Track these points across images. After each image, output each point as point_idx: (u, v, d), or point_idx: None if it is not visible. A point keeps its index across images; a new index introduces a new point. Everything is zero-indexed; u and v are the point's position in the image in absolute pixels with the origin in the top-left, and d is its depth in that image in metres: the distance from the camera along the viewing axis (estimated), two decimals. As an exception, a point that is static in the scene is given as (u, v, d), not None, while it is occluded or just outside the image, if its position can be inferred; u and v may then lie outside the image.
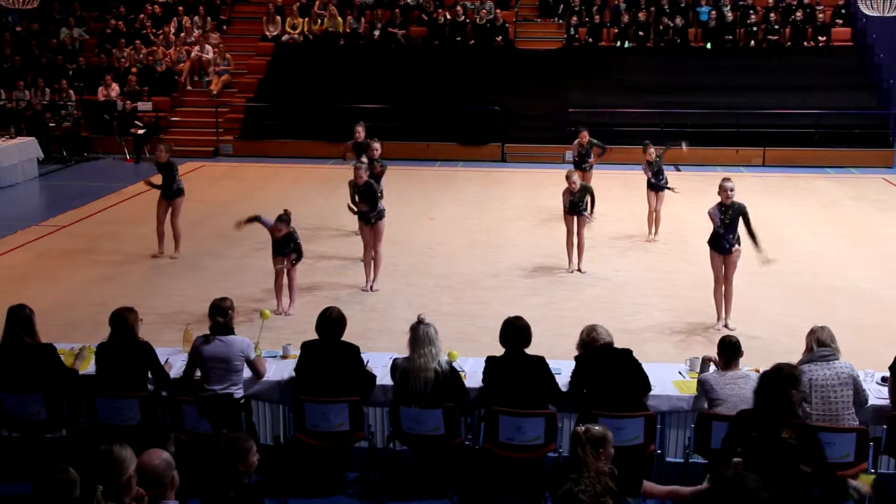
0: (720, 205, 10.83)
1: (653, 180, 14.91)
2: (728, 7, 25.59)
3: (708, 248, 11.05)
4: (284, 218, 11.15)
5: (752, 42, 25.10)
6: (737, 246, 10.85)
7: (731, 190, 10.85)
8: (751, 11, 25.50)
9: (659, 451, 7.33)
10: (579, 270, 13.10)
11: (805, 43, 24.99)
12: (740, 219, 10.78)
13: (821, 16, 25.23)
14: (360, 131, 15.12)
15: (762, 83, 23.65)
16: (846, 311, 11.41)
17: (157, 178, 14.01)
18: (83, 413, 7.52)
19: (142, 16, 26.96)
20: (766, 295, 12.33)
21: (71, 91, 24.22)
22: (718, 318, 11.04)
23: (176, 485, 5.12)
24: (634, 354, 7.32)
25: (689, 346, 10.01)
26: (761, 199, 18.43)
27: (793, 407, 6.17)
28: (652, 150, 14.91)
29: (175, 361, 7.83)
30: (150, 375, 7.47)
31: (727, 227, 10.75)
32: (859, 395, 7.01)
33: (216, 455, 5.41)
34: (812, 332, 7.22)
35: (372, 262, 12.44)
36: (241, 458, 5.42)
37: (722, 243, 10.85)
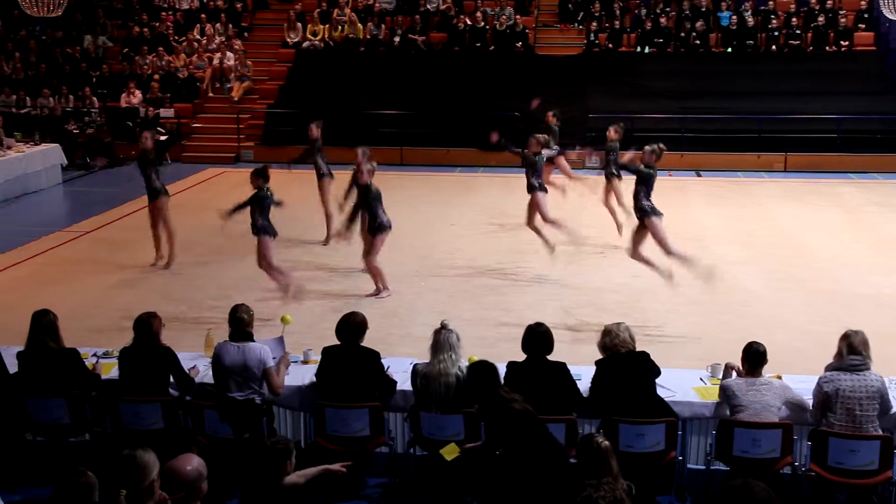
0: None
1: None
2: (749, 12, 25.49)
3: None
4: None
5: (774, 47, 25.00)
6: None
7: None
8: (772, 16, 25.40)
9: (680, 458, 7.31)
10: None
11: (827, 48, 24.88)
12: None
13: (843, 20, 25.10)
14: (314, 128, 15.16)
15: (784, 88, 23.54)
16: (869, 318, 11.28)
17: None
18: (106, 417, 7.56)
19: (163, 23, 27.12)
20: (788, 301, 12.27)
21: (94, 98, 24.38)
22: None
23: (203, 494, 5.12)
24: (654, 359, 7.31)
25: (711, 351, 9.98)
26: (783, 204, 18.40)
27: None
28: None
29: (200, 366, 7.86)
30: (172, 380, 7.52)
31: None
32: (885, 406, 6.94)
33: (262, 456, 5.44)
34: (845, 336, 7.10)
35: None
36: (287, 458, 5.49)
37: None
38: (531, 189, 13.12)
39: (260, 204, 11.15)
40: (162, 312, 7.79)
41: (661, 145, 11.57)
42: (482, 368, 7.20)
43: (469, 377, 7.19)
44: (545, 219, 13.24)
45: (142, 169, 13.75)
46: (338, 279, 13.13)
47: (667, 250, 11.43)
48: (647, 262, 11.72)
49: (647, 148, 11.45)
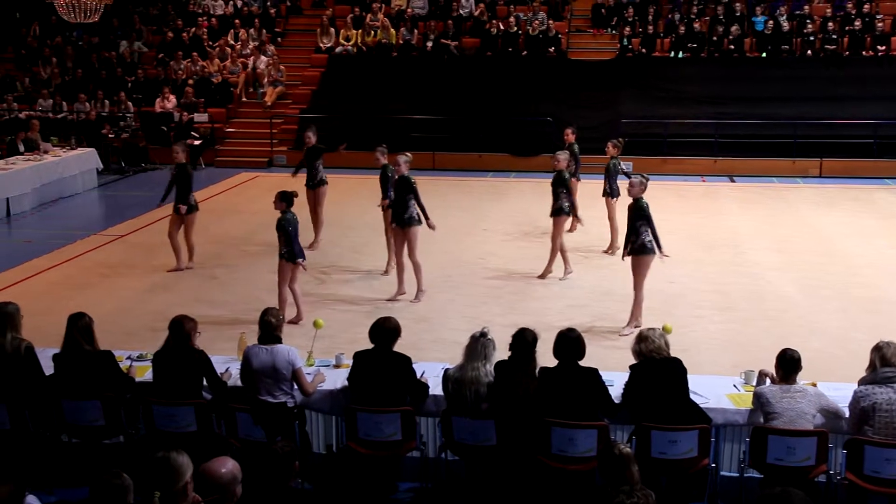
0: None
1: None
2: (784, 16, 25.31)
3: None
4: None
5: (809, 52, 24.80)
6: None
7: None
8: (808, 21, 25.20)
9: (713, 465, 7.26)
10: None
11: (864, 52, 24.65)
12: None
13: (880, 25, 24.86)
14: (311, 136, 15.20)
15: (819, 93, 23.33)
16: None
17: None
18: (140, 420, 7.62)
19: (199, 28, 27.33)
20: (824, 308, 12.17)
21: (129, 103, 24.60)
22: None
23: (237, 497, 5.13)
24: (687, 366, 7.27)
25: (745, 358, 9.91)
26: (818, 210, 18.25)
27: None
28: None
29: (233, 369, 7.90)
30: (205, 383, 7.56)
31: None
32: (923, 415, 6.87)
33: (271, 460, 5.46)
34: (877, 347, 7.04)
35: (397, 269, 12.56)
36: (295, 459, 5.50)
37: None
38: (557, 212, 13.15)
39: (282, 231, 11.16)
40: (196, 315, 7.82)
41: (645, 176, 11.34)
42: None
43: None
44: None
45: (179, 183, 13.72)
46: (370, 283, 13.15)
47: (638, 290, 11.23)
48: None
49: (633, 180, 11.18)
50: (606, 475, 5.41)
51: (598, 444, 6.97)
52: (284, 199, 11.19)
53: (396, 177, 12.41)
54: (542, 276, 13.29)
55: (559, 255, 13.27)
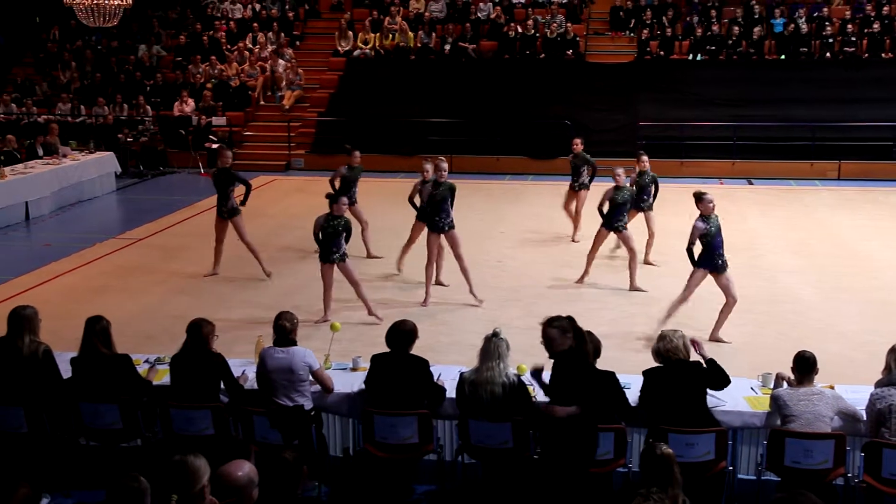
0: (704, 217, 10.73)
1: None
2: (803, 18, 25.23)
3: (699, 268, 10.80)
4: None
5: (828, 54, 24.72)
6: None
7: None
8: (827, 23, 25.11)
9: (731, 468, 7.23)
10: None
11: (883, 55, 24.54)
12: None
13: (900, 26, 24.77)
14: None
15: (838, 96, 23.23)
16: (925, 328, 11.14)
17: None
18: (158, 423, 7.65)
19: (217, 32, 27.44)
20: (842, 311, 12.11)
21: (148, 107, 24.71)
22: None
23: (253, 501, 5.13)
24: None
25: (762, 361, 9.86)
26: (837, 213, 18.18)
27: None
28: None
29: (249, 373, 7.93)
30: (222, 387, 7.59)
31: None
32: (940, 416, 6.84)
33: (279, 468, 5.47)
34: (893, 349, 7.03)
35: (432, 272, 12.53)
36: (303, 466, 5.51)
37: (715, 261, 10.72)
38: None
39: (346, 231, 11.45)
40: (214, 319, 7.85)
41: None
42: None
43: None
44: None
45: (221, 186, 13.61)
46: (388, 287, 13.16)
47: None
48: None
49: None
50: (648, 476, 5.39)
51: (615, 446, 6.97)
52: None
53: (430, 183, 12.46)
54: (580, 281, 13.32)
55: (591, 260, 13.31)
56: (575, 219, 15.76)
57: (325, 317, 11.44)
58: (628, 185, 13.38)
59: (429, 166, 12.72)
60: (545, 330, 7.04)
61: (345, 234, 11.30)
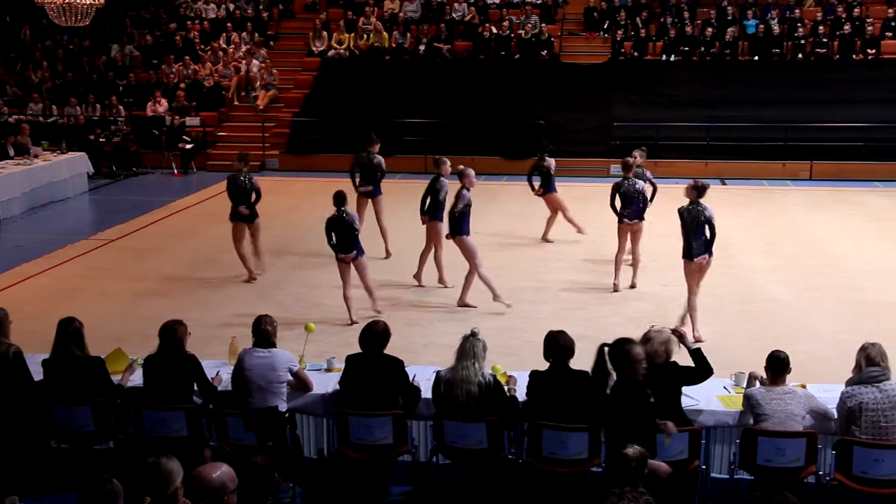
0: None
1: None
2: (775, 20, 25.38)
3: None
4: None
5: (800, 55, 24.88)
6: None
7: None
8: (798, 24, 25.28)
9: (704, 467, 7.27)
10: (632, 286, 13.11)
11: (854, 56, 24.73)
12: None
13: (870, 28, 24.93)
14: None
15: (810, 96, 23.40)
16: (896, 327, 11.24)
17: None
18: (130, 425, 7.60)
19: (190, 32, 27.31)
20: (814, 310, 12.21)
21: (120, 107, 24.55)
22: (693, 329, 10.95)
23: None
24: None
25: (735, 360, 9.92)
26: (809, 213, 18.30)
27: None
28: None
29: (223, 374, 7.90)
30: (196, 388, 7.55)
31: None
32: (911, 414, 6.90)
33: (256, 471, 5.44)
34: (863, 348, 7.08)
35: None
36: (274, 472, 5.49)
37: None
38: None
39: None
40: (187, 320, 7.81)
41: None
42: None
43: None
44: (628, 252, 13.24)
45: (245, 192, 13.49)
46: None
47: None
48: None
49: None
50: (619, 476, 5.39)
51: (589, 446, 6.99)
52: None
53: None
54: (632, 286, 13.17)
55: (623, 260, 13.16)
56: (568, 218, 15.82)
57: (350, 318, 11.53)
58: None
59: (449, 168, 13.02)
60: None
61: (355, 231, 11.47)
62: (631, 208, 12.88)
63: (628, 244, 13.06)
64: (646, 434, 6.45)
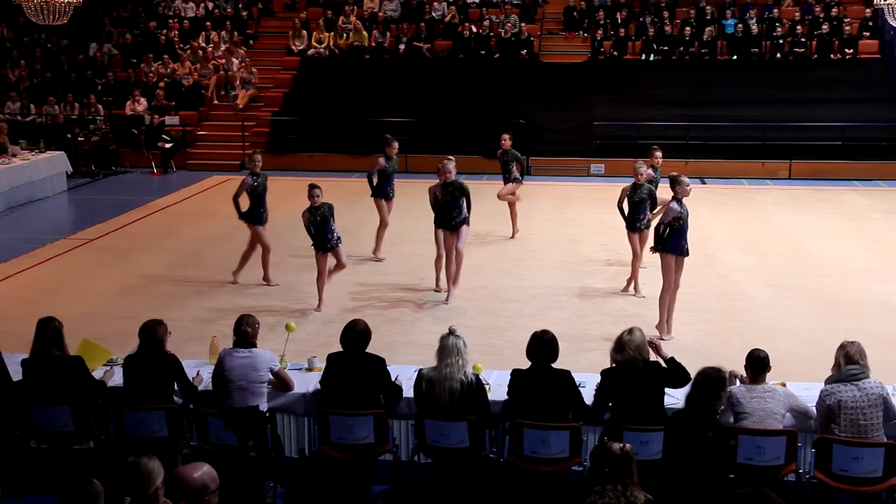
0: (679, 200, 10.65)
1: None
2: (754, 20, 25.50)
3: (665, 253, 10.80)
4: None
5: (779, 55, 25.00)
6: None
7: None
8: (777, 24, 25.41)
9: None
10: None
11: (832, 55, 24.87)
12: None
13: (848, 28, 25.09)
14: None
15: (788, 96, 23.53)
16: (874, 325, 11.30)
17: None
18: (111, 425, 7.56)
19: (170, 31, 27.21)
20: (793, 308, 12.26)
21: (99, 106, 24.43)
22: (668, 331, 10.89)
23: None
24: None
25: (715, 359, 9.96)
26: (788, 212, 18.39)
27: (717, 408, 6.86)
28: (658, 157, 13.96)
29: (204, 373, 7.87)
30: (176, 388, 7.53)
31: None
32: (889, 412, 6.94)
33: (246, 468, 5.43)
34: (841, 346, 7.12)
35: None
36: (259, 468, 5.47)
37: (682, 245, 10.75)
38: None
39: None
40: (167, 319, 7.78)
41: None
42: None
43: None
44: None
45: (261, 195, 13.43)
46: (346, 285, 13.12)
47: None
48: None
49: None
50: (604, 474, 5.38)
51: (570, 445, 7.01)
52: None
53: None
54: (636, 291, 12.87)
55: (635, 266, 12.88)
56: (512, 215, 15.99)
57: (318, 307, 11.71)
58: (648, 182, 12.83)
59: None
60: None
61: (331, 219, 11.72)
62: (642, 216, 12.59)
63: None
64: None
